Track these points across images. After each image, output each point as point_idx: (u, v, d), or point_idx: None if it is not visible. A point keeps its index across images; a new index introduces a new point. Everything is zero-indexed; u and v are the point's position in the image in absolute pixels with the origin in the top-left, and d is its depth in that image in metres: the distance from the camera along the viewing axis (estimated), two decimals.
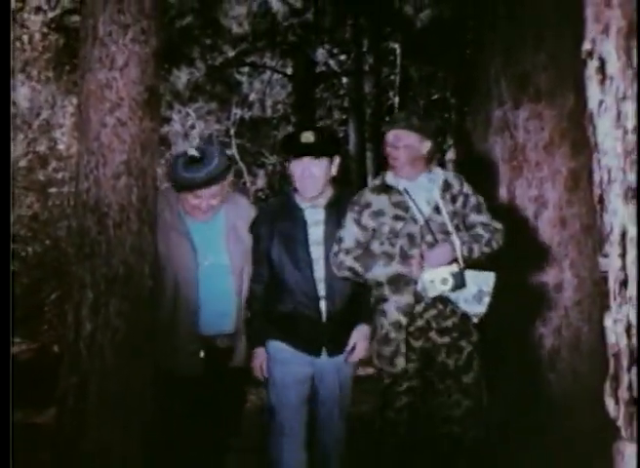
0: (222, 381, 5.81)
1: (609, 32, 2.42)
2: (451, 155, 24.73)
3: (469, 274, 5.45)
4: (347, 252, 5.60)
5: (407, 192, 5.63)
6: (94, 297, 5.29)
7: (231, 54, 23.51)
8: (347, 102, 25.98)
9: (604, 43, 2.44)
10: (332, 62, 26.92)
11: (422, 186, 5.65)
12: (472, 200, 5.65)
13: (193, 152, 5.68)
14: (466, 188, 5.66)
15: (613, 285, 2.51)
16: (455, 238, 5.48)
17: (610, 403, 2.52)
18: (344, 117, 26.52)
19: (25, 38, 12.82)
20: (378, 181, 5.82)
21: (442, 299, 5.54)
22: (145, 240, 5.38)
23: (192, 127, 18.01)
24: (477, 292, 5.46)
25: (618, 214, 2.45)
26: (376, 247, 5.65)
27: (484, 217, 5.62)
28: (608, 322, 2.54)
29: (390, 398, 5.61)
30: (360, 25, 23.86)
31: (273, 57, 24.93)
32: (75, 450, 5.22)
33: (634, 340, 2.45)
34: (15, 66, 12.49)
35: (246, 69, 25.33)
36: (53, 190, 11.78)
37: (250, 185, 21.85)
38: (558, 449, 5.68)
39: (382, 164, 5.95)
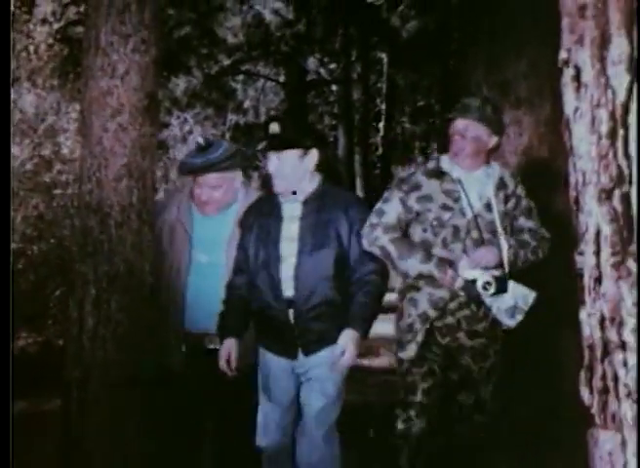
0: (205, 380, 5.42)
1: (583, 42, 2.43)
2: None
3: (510, 284, 4.98)
4: (386, 229, 5.07)
5: (460, 182, 5.12)
6: (96, 293, 5.30)
7: (227, 62, 23.57)
8: (337, 109, 26.06)
9: (579, 52, 2.45)
10: (322, 71, 26.99)
11: (478, 180, 5.15)
12: (524, 203, 5.22)
13: (200, 140, 5.52)
14: (520, 190, 5.23)
15: (587, 281, 2.52)
16: (503, 240, 5.03)
17: (584, 392, 2.53)
18: (334, 122, 26.57)
19: (32, 48, 12.80)
20: (432, 165, 5.28)
21: (477, 301, 5.05)
22: (146, 238, 5.37)
23: (190, 132, 17.97)
24: (512, 306, 4.98)
25: (592, 214, 2.46)
26: (417, 232, 5.14)
27: (532, 223, 5.23)
28: (582, 315, 2.55)
29: (411, 380, 5.10)
30: (349, 36, 23.94)
31: (267, 65, 25.01)
32: (78, 439, 5.22)
33: (607, 333, 2.47)
34: (21, 75, 12.49)
35: (241, 77, 25.39)
36: (57, 192, 11.77)
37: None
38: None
39: (370, 167, 5.67)
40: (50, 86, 12.90)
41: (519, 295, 4.98)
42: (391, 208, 5.14)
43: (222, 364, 5.11)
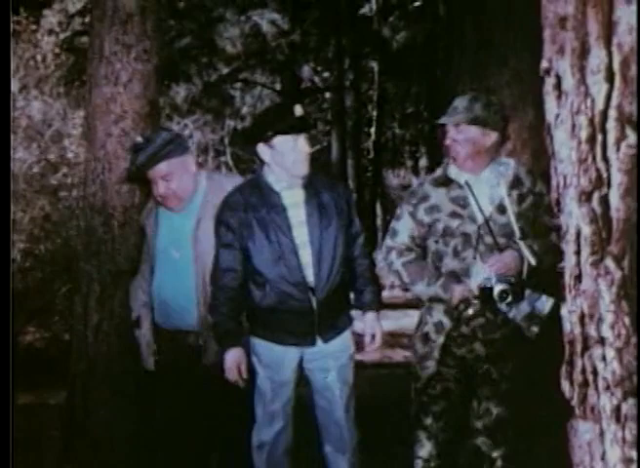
0: (178, 377, 5.02)
1: (564, 53, 2.43)
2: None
3: (527, 291, 4.58)
4: (400, 252, 4.79)
5: (468, 186, 4.68)
6: (100, 291, 5.31)
7: (225, 71, 23.57)
8: (330, 115, 26.03)
9: (560, 62, 2.45)
10: (316, 79, 27.04)
11: (487, 181, 4.70)
12: (546, 200, 4.63)
13: (138, 139, 4.99)
14: (540, 186, 4.68)
15: (568, 279, 2.53)
16: (522, 244, 4.59)
17: (565, 385, 2.54)
18: (328, 128, 26.54)
19: (39, 57, 12.79)
20: (439, 173, 4.87)
21: (493, 308, 4.61)
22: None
23: (190, 136, 17.96)
24: (529, 313, 4.57)
25: (572, 215, 2.47)
26: (431, 244, 4.75)
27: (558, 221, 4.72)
28: (564, 312, 2.56)
29: (425, 400, 4.78)
30: (342, 46, 23.91)
31: (263, 73, 25.02)
32: (83, 428, 5.22)
33: (587, 329, 2.47)
34: (29, 83, 12.48)
35: (239, 85, 25.38)
36: (63, 194, 11.77)
37: None
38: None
39: (362, 170, 5.47)
40: (56, 93, 12.91)
41: (535, 301, 4.58)
42: (403, 225, 4.83)
43: (233, 375, 4.72)
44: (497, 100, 4.74)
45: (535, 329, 4.56)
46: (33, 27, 12.96)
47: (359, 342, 4.98)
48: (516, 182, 4.67)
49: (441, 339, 4.69)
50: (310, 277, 4.73)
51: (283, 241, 4.73)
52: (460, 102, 4.70)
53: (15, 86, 12.22)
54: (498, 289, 4.50)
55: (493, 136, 4.65)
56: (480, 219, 4.62)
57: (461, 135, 4.64)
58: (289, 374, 4.83)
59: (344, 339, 4.91)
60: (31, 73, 12.62)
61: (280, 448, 4.87)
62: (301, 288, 4.72)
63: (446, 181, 4.75)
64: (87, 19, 13.07)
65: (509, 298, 4.50)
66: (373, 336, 4.96)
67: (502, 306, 4.53)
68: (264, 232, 4.73)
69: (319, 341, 4.81)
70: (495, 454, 4.67)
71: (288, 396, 4.85)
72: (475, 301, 4.63)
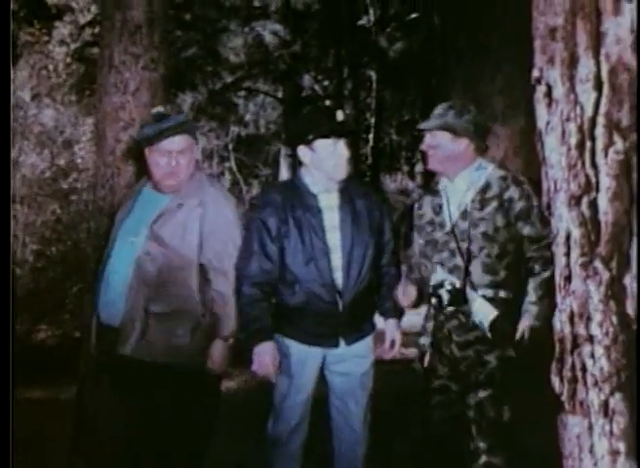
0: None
1: (554, 62, 2.43)
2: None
3: (478, 301, 4.47)
4: (411, 270, 4.80)
5: (446, 193, 4.65)
6: None
7: (229, 80, 23.61)
8: None
9: (550, 71, 2.45)
10: (317, 87, 27.02)
11: (459, 187, 4.62)
12: (517, 206, 4.47)
13: (160, 109, 4.75)
14: (511, 192, 4.49)
15: (558, 280, 2.53)
16: (477, 252, 4.50)
17: (555, 380, 2.54)
18: None
19: (51, 67, 12.83)
20: (433, 181, 4.85)
21: (463, 311, 4.54)
22: None
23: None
24: (479, 323, 4.50)
25: (563, 218, 2.47)
26: (418, 251, 4.75)
27: (531, 229, 4.48)
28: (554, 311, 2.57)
29: (425, 394, 4.72)
30: (341, 56, 23.97)
31: (266, 82, 25.04)
32: (91, 424, 5.19)
33: (576, 327, 2.47)
34: (41, 91, 12.51)
35: (242, 93, 25.42)
36: (73, 198, 11.79)
37: (245, 193, 21.87)
38: None
39: (361, 175, 5.38)
40: (67, 101, 12.95)
41: (481, 313, 4.47)
42: (416, 242, 4.81)
43: (267, 369, 4.59)
44: (474, 109, 4.64)
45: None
46: (45, 39, 13.01)
47: (376, 346, 4.86)
48: (485, 188, 4.56)
49: (428, 340, 4.64)
50: (339, 280, 4.65)
51: (316, 243, 4.65)
52: (437, 110, 4.66)
53: (27, 94, 12.25)
54: (442, 289, 4.51)
55: (463, 143, 4.58)
56: (448, 226, 4.58)
57: (434, 140, 4.59)
58: (310, 374, 4.73)
59: (367, 345, 4.81)
60: (43, 82, 12.67)
61: (294, 445, 4.77)
62: (330, 290, 4.63)
63: (432, 190, 4.76)
64: (96, 31, 13.09)
65: (445, 299, 4.50)
66: (392, 342, 4.84)
67: (442, 307, 4.53)
68: (299, 233, 4.65)
69: (342, 343, 4.71)
70: (483, 446, 4.57)
71: (307, 394, 4.73)
72: (433, 301, 4.58)
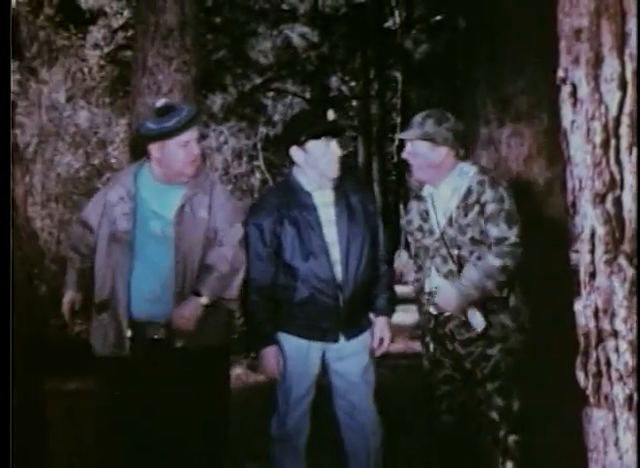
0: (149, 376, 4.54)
1: (579, 62, 2.42)
2: None
3: (469, 310, 4.51)
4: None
5: (432, 200, 4.67)
6: None
7: (258, 81, 23.64)
8: (357, 122, 26.04)
9: (575, 71, 2.44)
10: (344, 88, 27.10)
11: (443, 194, 4.63)
12: (489, 208, 4.48)
13: (166, 102, 4.74)
14: (487, 195, 4.48)
15: (583, 276, 2.52)
16: (467, 259, 4.51)
17: (580, 375, 2.53)
18: (354, 134, 26.55)
19: (86, 70, 12.90)
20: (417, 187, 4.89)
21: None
22: None
23: (225, 142, 17.97)
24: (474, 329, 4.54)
25: (587, 216, 2.46)
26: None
27: (498, 230, 4.45)
28: (578, 306, 2.55)
29: (431, 386, 4.73)
30: (367, 57, 23.99)
31: (294, 83, 25.08)
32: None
33: (601, 323, 2.46)
34: (76, 93, 12.57)
35: (271, 94, 25.47)
36: None
37: None
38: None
39: (387, 174, 5.33)
40: (101, 103, 13.02)
41: (474, 321, 4.52)
42: (410, 248, 4.87)
43: (273, 371, 4.67)
44: (452, 117, 4.62)
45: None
46: (80, 43, 13.07)
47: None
48: (467, 194, 4.55)
49: (428, 337, 4.70)
50: (339, 274, 4.67)
51: (314, 239, 4.67)
52: (416, 119, 4.67)
53: (62, 96, 12.31)
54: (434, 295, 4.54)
55: (442, 152, 4.58)
56: (437, 233, 4.59)
57: (414, 149, 4.62)
58: (311, 368, 4.74)
59: (364, 340, 4.82)
60: (78, 85, 12.73)
61: (298, 440, 4.77)
62: (331, 284, 4.65)
63: (419, 196, 4.78)
64: (129, 34, 13.17)
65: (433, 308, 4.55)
66: (381, 341, 4.82)
67: (440, 316, 4.56)
68: (296, 230, 4.67)
69: (342, 338, 4.73)
70: (511, 439, 4.55)
71: (309, 389, 4.75)
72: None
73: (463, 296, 4.45)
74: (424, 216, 4.69)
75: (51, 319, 4.76)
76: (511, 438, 4.52)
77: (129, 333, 4.51)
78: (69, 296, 4.77)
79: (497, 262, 4.41)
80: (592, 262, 2.47)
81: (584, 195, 2.46)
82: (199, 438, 4.56)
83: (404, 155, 4.72)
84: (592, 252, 2.47)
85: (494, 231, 4.46)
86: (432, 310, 4.60)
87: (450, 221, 4.55)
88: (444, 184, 4.62)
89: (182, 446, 4.53)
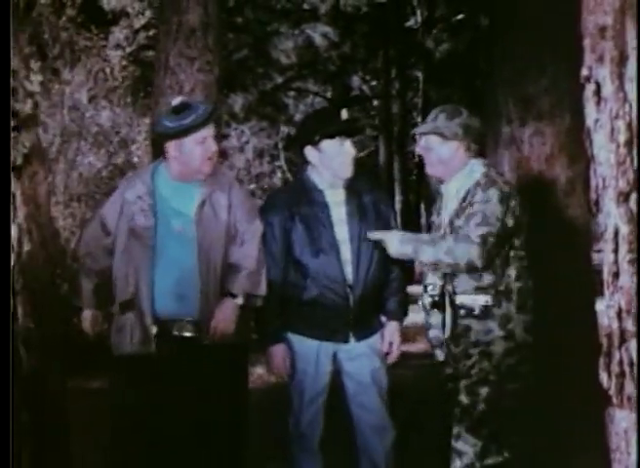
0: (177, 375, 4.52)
1: (603, 61, 2.41)
2: None
3: (448, 311, 4.47)
4: None
5: (442, 196, 4.67)
6: None
7: (280, 81, 23.70)
8: (378, 121, 26.04)
9: (599, 70, 2.43)
10: (365, 88, 27.09)
11: (451, 192, 4.59)
12: (473, 208, 4.43)
13: (182, 99, 4.73)
14: (477, 197, 4.43)
15: (606, 276, 2.51)
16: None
17: (603, 375, 2.52)
18: (375, 134, 26.54)
19: (107, 70, 12.95)
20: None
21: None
22: None
23: (247, 142, 18.04)
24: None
25: (611, 215, 2.45)
26: None
27: (466, 227, 4.39)
28: (601, 307, 2.54)
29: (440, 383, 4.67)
30: (389, 57, 24.00)
31: (315, 83, 25.10)
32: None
33: (624, 323, 2.45)
34: (98, 93, 12.62)
35: (292, 94, 25.50)
36: None
37: None
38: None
39: (408, 173, 5.24)
40: (123, 103, 13.07)
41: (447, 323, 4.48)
42: None
43: (281, 370, 4.69)
44: (465, 113, 4.57)
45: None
46: (102, 43, 13.12)
47: None
48: (466, 195, 4.50)
49: (437, 333, 4.57)
50: (349, 274, 4.65)
51: (324, 236, 4.65)
52: (431, 114, 4.66)
53: (84, 96, 12.35)
54: (424, 297, 4.54)
55: (452, 147, 4.54)
56: (442, 230, 4.56)
57: (426, 143, 4.59)
58: (323, 368, 4.73)
59: (375, 342, 4.79)
60: (100, 85, 12.79)
61: (313, 439, 4.77)
62: (341, 284, 4.63)
63: (438, 191, 4.76)
64: (151, 34, 13.21)
65: (428, 307, 4.52)
66: (390, 344, 4.79)
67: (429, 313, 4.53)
68: (307, 227, 4.66)
69: (352, 339, 4.71)
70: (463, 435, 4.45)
71: (321, 389, 4.74)
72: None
73: (406, 247, 4.45)
74: (438, 212, 4.67)
75: (73, 318, 4.76)
76: (463, 433, 4.42)
77: (154, 331, 4.51)
78: (89, 315, 4.78)
79: (449, 241, 4.37)
80: (615, 262, 2.46)
81: (608, 194, 2.45)
82: (220, 436, 4.57)
83: (417, 149, 4.72)
84: (616, 251, 2.45)
85: (465, 229, 4.38)
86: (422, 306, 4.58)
87: (451, 221, 4.53)
88: (454, 181, 4.58)
89: (203, 444, 4.55)
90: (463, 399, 4.45)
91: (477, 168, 4.57)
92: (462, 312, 4.45)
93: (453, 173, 4.57)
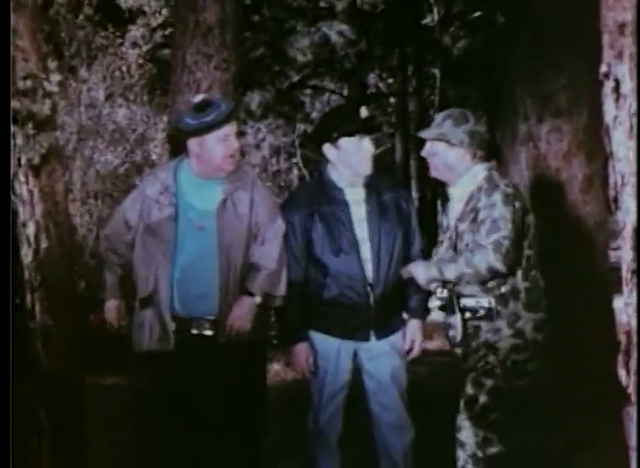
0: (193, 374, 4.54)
1: (622, 57, 2.40)
2: None
3: (457, 317, 4.52)
4: None
5: (447, 199, 4.68)
6: None
7: (296, 78, 23.73)
8: (394, 119, 26.01)
9: (618, 66, 2.42)
10: (381, 85, 27.05)
11: (456, 196, 4.59)
12: (480, 216, 4.41)
13: (204, 97, 4.74)
14: (481, 203, 4.44)
15: (625, 273, 2.49)
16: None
17: (622, 373, 2.51)
18: (392, 131, 26.52)
19: (124, 68, 12.97)
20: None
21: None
22: None
23: (263, 139, 18.05)
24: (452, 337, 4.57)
25: (630, 212, 2.44)
26: None
27: (478, 237, 4.39)
28: (619, 304, 2.53)
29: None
30: (405, 54, 23.98)
31: (332, 80, 25.14)
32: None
33: None
34: (115, 91, 12.66)
35: (309, 91, 25.52)
36: None
37: None
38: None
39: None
40: (140, 100, 13.10)
41: (456, 328, 4.52)
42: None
43: (304, 368, 4.68)
44: (472, 119, 4.56)
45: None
46: (119, 41, 13.16)
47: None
48: (469, 200, 4.50)
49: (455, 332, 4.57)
50: (370, 272, 4.65)
51: (344, 235, 4.65)
52: (437, 118, 4.67)
53: (101, 94, 12.39)
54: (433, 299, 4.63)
55: (458, 153, 4.54)
56: (448, 233, 4.58)
57: (432, 148, 4.60)
58: (343, 365, 4.73)
59: (397, 340, 4.79)
60: (117, 83, 12.83)
61: (332, 436, 4.77)
62: (361, 282, 4.64)
63: (445, 194, 4.73)
64: (167, 33, 13.23)
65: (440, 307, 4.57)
66: (412, 343, 4.80)
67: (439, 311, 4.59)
68: (327, 226, 4.66)
69: (373, 337, 4.71)
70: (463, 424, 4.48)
71: (342, 385, 4.74)
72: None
73: (432, 270, 4.47)
74: (446, 214, 4.66)
75: (90, 314, 4.78)
76: (465, 423, 4.44)
77: (173, 328, 4.51)
78: (114, 305, 4.76)
79: (466, 255, 4.36)
80: (634, 259, 2.45)
81: (627, 190, 2.44)
82: (237, 432, 4.58)
83: (422, 153, 4.69)
84: (635, 248, 2.44)
85: (477, 237, 4.38)
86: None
87: (456, 224, 4.53)
88: (458, 184, 4.58)
89: (220, 441, 4.55)
90: (468, 389, 4.48)
91: (480, 172, 4.55)
92: (468, 315, 4.48)
93: (458, 177, 4.57)
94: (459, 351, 4.57)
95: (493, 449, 4.42)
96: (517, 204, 4.44)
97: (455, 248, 4.52)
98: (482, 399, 4.43)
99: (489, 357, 4.44)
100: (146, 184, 4.80)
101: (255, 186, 4.71)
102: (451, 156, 4.55)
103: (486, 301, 4.42)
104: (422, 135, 4.72)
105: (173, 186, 4.65)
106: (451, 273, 4.41)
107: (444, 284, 4.53)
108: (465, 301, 4.49)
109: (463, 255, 4.39)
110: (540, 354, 4.51)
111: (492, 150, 4.75)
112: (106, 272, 4.79)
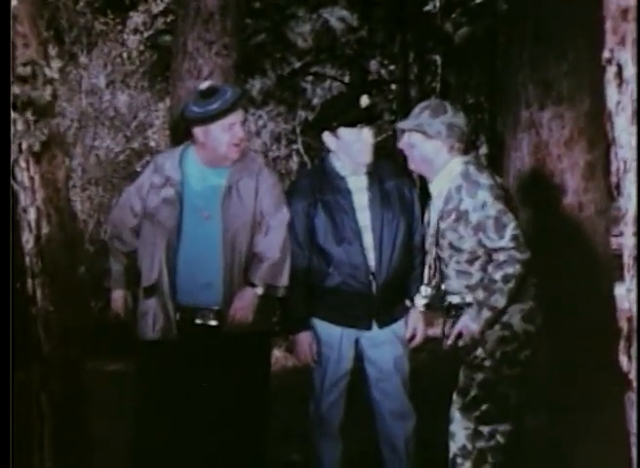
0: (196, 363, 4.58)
1: (625, 43, 2.40)
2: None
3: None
4: None
5: (430, 197, 4.61)
6: None
7: (297, 65, 23.68)
8: (396, 106, 25.98)
9: (621, 52, 2.42)
10: (383, 72, 27.01)
11: (435, 192, 4.57)
12: (473, 218, 4.34)
13: (203, 87, 4.64)
14: (466, 204, 4.37)
15: (627, 260, 2.49)
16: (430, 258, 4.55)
17: (623, 359, 2.51)
18: (393, 118, 26.50)
19: (125, 55, 12.99)
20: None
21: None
22: None
23: (264, 126, 18.01)
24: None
25: (632, 198, 2.44)
26: None
27: (490, 241, 4.33)
28: (621, 291, 2.53)
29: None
30: (407, 41, 23.91)
31: (333, 67, 25.07)
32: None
33: None
34: (116, 78, 12.66)
35: (310, 78, 25.44)
36: None
37: None
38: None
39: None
40: (140, 87, 13.11)
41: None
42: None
43: (307, 357, 4.71)
44: (451, 111, 4.53)
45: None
46: (119, 28, 13.17)
47: None
48: (448, 198, 4.45)
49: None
50: (372, 261, 4.66)
51: (347, 223, 4.65)
52: (415, 109, 4.60)
53: (102, 81, 12.39)
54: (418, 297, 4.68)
55: (435, 145, 4.50)
56: (430, 229, 4.55)
57: (409, 140, 4.56)
58: (346, 355, 4.75)
59: (399, 328, 4.80)
60: (118, 69, 12.84)
61: (333, 423, 4.80)
62: (364, 271, 4.65)
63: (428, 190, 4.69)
64: (169, 19, 13.22)
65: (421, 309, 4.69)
66: (414, 330, 4.81)
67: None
68: (330, 214, 4.65)
69: (375, 326, 4.73)
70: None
71: (343, 375, 4.76)
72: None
73: (482, 321, 4.34)
74: (428, 209, 4.64)
75: (91, 301, 4.78)
76: (456, 414, 4.47)
77: (177, 317, 4.52)
78: (119, 295, 4.78)
79: (497, 274, 4.29)
80: (636, 245, 2.45)
81: (629, 177, 2.44)
82: (240, 421, 4.59)
83: (400, 145, 4.65)
84: (636, 234, 2.44)
85: (487, 242, 4.34)
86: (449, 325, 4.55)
87: (437, 221, 4.49)
88: (437, 180, 4.55)
89: (224, 429, 4.56)
90: (460, 382, 4.49)
91: (456, 166, 4.50)
92: (453, 312, 4.50)
93: (436, 172, 4.54)
94: (447, 346, 4.52)
95: (481, 443, 4.41)
96: (499, 191, 4.43)
97: (437, 244, 4.49)
98: (473, 391, 4.44)
99: (477, 350, 4.43)
100: (152, 171, 4.78)
101: (261, 175, 4.69)
102: (428, 148, 4.50)
103: (471, 298, 4.41)
104: (400, 125, 4.73)
105: (178, 174, 4.63)
106: (499, 301, 4.33)
107: (429, 282, 4.56)
108: (451, 298, 4.52)
109: (491, 274, 4.32)
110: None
111: (469, 143, 4.70)
112: (112, 261, 4.80)
